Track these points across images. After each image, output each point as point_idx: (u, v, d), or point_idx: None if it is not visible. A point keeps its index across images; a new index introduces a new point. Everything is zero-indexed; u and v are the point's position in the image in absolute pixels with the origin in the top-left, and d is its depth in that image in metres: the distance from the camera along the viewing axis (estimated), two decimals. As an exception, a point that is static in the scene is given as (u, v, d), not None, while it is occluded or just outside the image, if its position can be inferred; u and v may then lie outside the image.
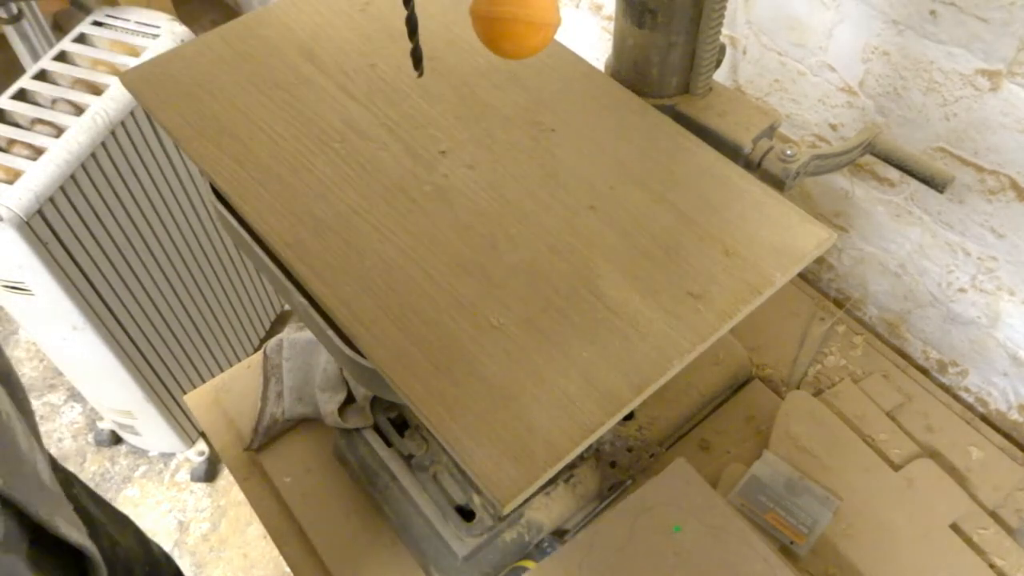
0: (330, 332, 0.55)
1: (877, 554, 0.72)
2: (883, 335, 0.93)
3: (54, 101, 1.13)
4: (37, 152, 1.06)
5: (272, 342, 0.87)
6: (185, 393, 0.91)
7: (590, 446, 0.60)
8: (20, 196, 1.00)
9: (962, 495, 0.75)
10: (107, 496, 1.55)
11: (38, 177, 1.03)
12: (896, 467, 0.78)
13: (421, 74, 0.53)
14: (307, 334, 0.86)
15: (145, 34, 1.22)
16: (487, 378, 0.48)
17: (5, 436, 0.43)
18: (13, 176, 1.03)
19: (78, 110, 1.11)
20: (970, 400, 0.87)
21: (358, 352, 0.52)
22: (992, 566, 0.72)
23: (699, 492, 0.71)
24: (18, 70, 1.21)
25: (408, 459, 0.74)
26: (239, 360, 1.26)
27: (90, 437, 1.63)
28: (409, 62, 0.52)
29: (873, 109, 0.77)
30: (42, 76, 1.16)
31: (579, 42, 1.05)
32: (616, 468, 0.76)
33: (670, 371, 0.48)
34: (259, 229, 0.56)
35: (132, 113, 1.15)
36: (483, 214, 0.56)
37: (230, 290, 1.49)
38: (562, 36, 0.54)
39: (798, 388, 0.84)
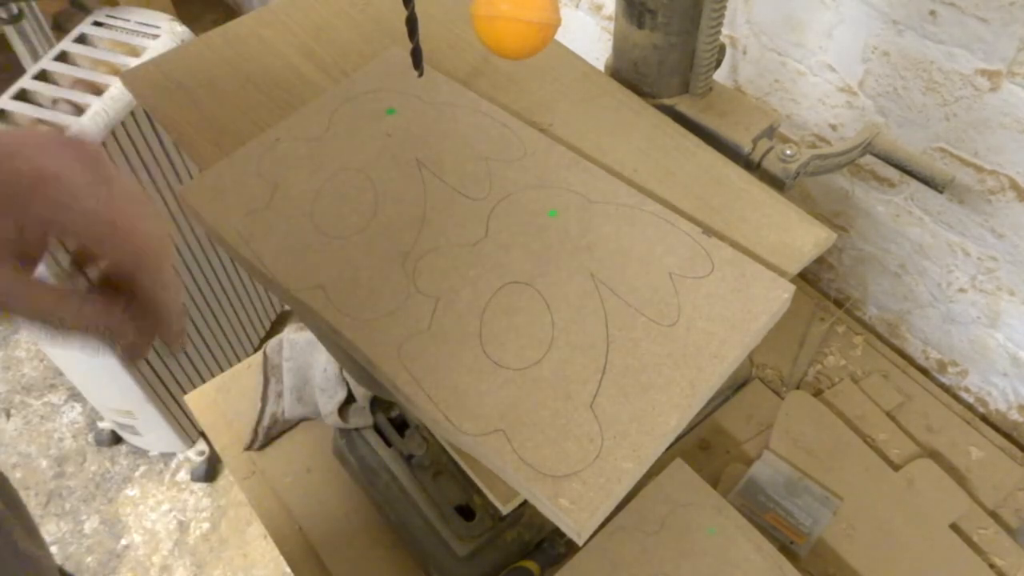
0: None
1: (877, 554, 0.72)
2: (883, 335, 0.93)
3: (54, 101, 1.13)
4: (37, 152, 1.06)
5: (272, 342, 0.87)
6: (185, 393, 0.91)
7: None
8: (20, 196, 1.00)
9: (962, 495, 0.75)
10: (107, 496, 1.55)
11: (38, 177, 1.03)
12: (896, 467, 0.78)
13: (421, 74, 0.53)
14: (307, 334, 0.86)
15: (145, 34, 1.22)
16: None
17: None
18: (13, 176, 1.03)
19: (78, 110, 1.11)
20: (970, 400, 0.87)
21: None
22: (992, 566, 0.72)
23: (698, 492, 0.71)
24: (18, 70, 1.21)
25: (408, 459, 0.74)
26: (239, 360, 1.27)
27: (90, 437, 1.63)
28: (409, 62, 0.52)
29: (873, 109, 0.77)
30: (42, 76, 1.16)
31: (579, 42, 1.05)
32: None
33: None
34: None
35: (132, 113, 1.15)
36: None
37: (230, 290, 1.49)
38: (562, 36, 0.54)
39: (798, 388, 0.84)
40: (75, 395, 1.68)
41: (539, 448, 0.43)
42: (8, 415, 1.68)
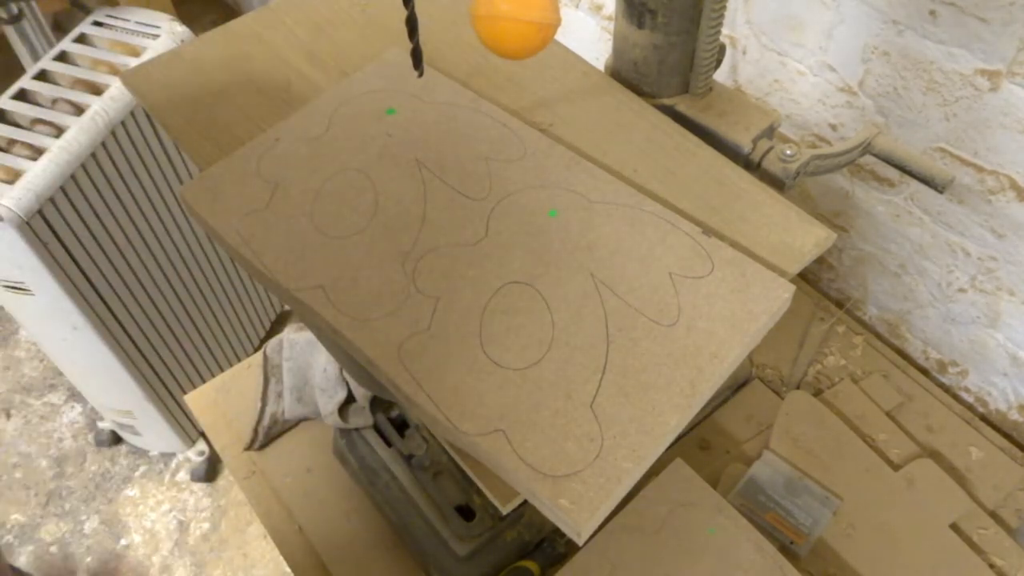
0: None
1: (877, 554, 0.72)
2: (883, 335, 0.93)
3: (54, 101, 1.13)
4: (37, 152, 1.06)
5: (272, 342, 0.87)
6: (185, 393, 0.91)
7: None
8: (20, 196, 1.01)
9: (962, 495, 0.75)
10: (107, 496, 1.55)
11: (38, 177, 1.03)
12: (896, 467, 0.78)
13: (421, 74, 0.53)
14: (307, 334, 0.86)
15: (145, 34, 1.22)
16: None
17: None
18: (13, 176, 1.03)
19: (78, 110, 1.11)
20: (970, 400, 0.87)
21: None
22: (992, 566, 0.72)
23: (698, 492, 0.71)
24: (18, 70, 1.21)
25: (408, 459, 0.74)
26: (239, 360, 1.27)
27: (90, 437, 1.63)
28: (409, 62, 0.52)
29: (873, 109, 0.77)
30: (42, 76, 1.16)
31: (579, 42, 1.05)
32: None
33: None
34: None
35: (132, 113, 1.15)
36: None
37: (230, 290, 1.49)
38: (562, 36, 0.54)
39: (798, 388, 0.84)
40: (75, 395, 1.68)
41: (539, 448, 0.43)
42: (8, 415, 1.68)
